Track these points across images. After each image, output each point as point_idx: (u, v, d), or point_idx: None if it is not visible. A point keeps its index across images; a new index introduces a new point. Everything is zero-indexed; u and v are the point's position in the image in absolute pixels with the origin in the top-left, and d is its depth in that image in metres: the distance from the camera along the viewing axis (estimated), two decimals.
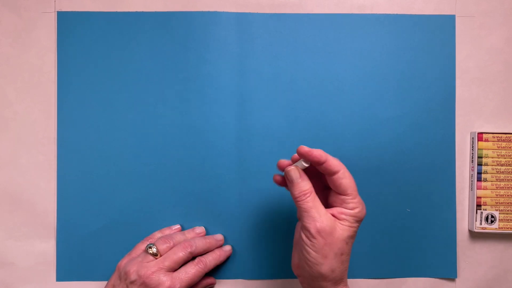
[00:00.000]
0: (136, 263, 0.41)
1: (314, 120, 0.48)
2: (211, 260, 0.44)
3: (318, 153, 0.37)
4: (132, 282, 0.40)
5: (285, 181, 0.40)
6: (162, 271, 0.41)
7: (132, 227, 0.47)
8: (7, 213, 0.47)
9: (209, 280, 0.47)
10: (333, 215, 0.37)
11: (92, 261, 0.47)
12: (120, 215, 0.47)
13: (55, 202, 0.47)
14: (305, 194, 0.38)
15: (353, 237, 0.38)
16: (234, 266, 0.48)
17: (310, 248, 0.36)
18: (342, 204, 0.38)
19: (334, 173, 0.37)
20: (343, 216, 0.37)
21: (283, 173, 0.40)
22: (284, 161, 0.40)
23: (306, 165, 0.38)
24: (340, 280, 0.38)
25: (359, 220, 0.38)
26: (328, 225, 0.36)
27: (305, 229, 0.37)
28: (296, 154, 0.39)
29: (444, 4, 0.48)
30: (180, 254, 0.42)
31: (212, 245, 0.45)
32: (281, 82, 0.48)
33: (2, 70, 0.48)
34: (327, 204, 0.40)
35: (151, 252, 0.42)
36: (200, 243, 0.44)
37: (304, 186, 0.38)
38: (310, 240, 0.36)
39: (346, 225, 0.37)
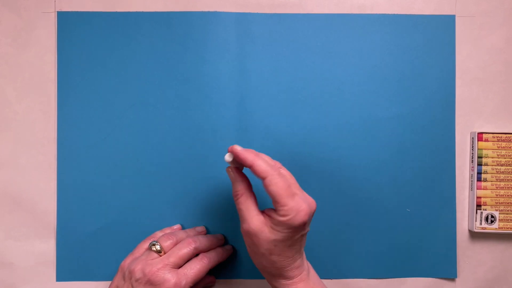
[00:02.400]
0: (141, 261, 0.41)
1: (314, 120, 0.48)
2: (214, 256, 0.44)
3: (244, 156, 0.37)
4: (137, 280, 0.40)
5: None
6: (168, 267, 0.41)
7: (132, 227, 0.47)
8: (7, 213, 0.47)
9: (210, 279, 0.47)
10: (267, 215, 0.38)
11: (92, 261, 0.47)
12: (120, 215, 0.47)
13: (55, 202, 0.47)
14: (236, 195, 0.39)
15: (285, 241, 0.37)
16: (234, 266, 0.48)
17: (245, 243, 0.39)
18: (275, 208, 0.37)
19: (261, 178, 0.37)
20: (274, 221, 0.37)
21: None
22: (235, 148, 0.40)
23: (230, 159, 0.39)
24: (279, 276, 0.39)
25: (292, 227, 0.36)
26: (254, 227, 0.37)
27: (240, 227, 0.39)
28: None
29: (444, 4, 0.48)
30: (185, 250, 0.42)
31: (214, 243, 0.45)
32: (281, 82, 0.48)
33: (2, 70, 0.48)
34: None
35: (154, 249, 0.42)
36: (204, 240, 0.44)
37: (236, 187, 0.40)
38: (244, 237, 0.39)
39: (276, 230, 0.37)
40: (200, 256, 0.43)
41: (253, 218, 0.38)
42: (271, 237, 0.37)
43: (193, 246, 0.42)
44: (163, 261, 0.41)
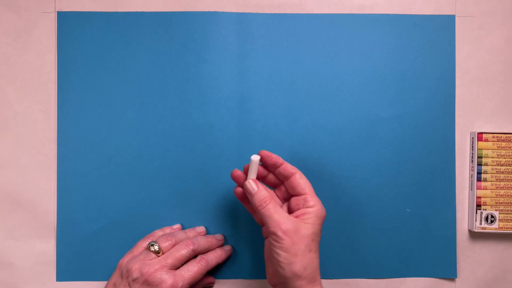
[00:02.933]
0: (139, 261, 0.41)
1: (314, 120, 0.48)
2: (212, 258, 0.44)
3: (276, 157, 0.41)
4: (134, 280, 0.40)
5: (244, 194, 0.42)
6: (165, 269, 0.41)
7: (132, 227, 0.47)
8: (7, 213, 0.47)
9: (209, 279, 0.47)
10: (296, 217, 0.40)
11: (92, 261, 0.47)
12: (120, 215, 0.47)
13: (55, 202, 0.47)
14: (265, 201, 0.40)
15: (318, 234, 0.40)
16: (234, 266, 0.48)
17: (280, 250, 0.38)
18: (302, 204, 0.40)
19: (291, 174, 0.41)
20: (306, 215, 0.39)
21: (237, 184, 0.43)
22: (237, 171, 0.42)
23: (256, 159, 0.41)
24: (313, 279, 0.39)
25: (320, 218, 0.40)
26: (292, 225, 0.38)
27: (272, 233, 0.39)
28: (248, 164, 0.41)
29: (444, 4, 0.48)
30: (183, 251, 0.42)
31: (213, 244, 0.46)
32: (281, 82, 0.48)
33: (2, 70, 0.48)
34: (289, 212, 0.42)
35: (153, 250, 0.42)
36: (202, 241, 0.44)
37: (262, 194, 0.40)
38: (279, 242, 0.38)
39: (309, 223, 0.39)
40: (199, 257, 0.43)
41: (288, 219, 0.39)
42: (309, 231, 0.39)
43: (191, 248, 0.43)
44: (161, 262, 0.41)
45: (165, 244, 0.42)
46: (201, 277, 0.43)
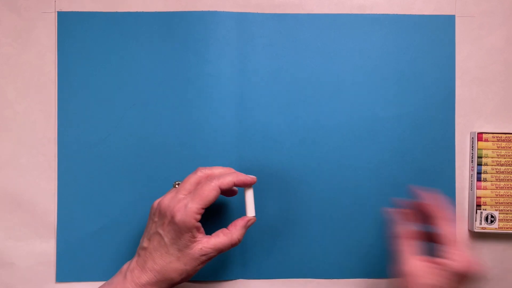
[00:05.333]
0: (159, 198, 0.41)
1: (314, 120, 0.48)
2: (226, 177, 0.40)
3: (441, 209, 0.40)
4: (154, 214, 0.40)
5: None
6: (176, 196, 0.39)
7: (132, 227, 0.47)
8: (7, 213, 0.47)
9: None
10: (429, 260, 0.38)
11: (92, 261, 0.47)
12: (120, 215, 0.47)
13: (55, 202, 0.47)
14: (395, 237, 0.40)
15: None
16: (234, 266, 0.48)
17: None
18: (443, 252, 0.38)
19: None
20: (435, 266, 0.37)
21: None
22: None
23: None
24: None
25: (458, 274, 0.37)
26: (413, 269, 0.38)
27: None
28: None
29: (444, 4, 0.48)
30: (195, 177, 0.41)
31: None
32: (281, 82, 0.48)
33: (2, 70, 0.48)
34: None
35: (175, 185, 0.43)
36: (225, 175, 0.40)
37: (401, 228, 0.40)
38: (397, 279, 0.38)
39: (436, 275, 0.37)
40: (209, 178, 0.40)
41: (413, 260, 0.38)
42: (429, 281, 0.37)
43: (208, 174, 0.41)
44: (173, 192, 0.40)
45: (187, 179, 0.41)
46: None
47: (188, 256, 0.39)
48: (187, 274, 0.39)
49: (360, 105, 0.48)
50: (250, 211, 0.42)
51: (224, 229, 0.41)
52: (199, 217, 0.38)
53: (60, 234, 0.47)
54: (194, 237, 0.39)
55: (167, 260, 0.39)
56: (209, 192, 0.38)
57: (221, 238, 0.40)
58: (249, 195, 0.42)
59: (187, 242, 0.38)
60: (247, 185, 0.41)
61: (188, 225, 0.38)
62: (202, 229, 0.40)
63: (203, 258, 0.39)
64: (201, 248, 0.39)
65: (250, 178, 0.41)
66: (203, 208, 0.38)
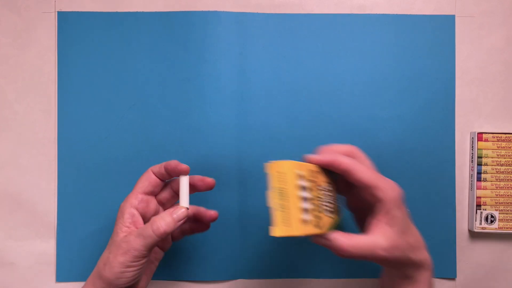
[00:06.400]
0: None
1: (314, 120, 0.48)
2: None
3: (326, 159, 0.36)
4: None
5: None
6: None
7: None
8: (7, 213, 0.47)
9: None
10: (374, 222, 0.36)
11: (92, 261, 0.47)
12: None
13: (55, 202, 0.47)
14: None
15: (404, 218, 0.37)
16: (234, 266, 0.48)
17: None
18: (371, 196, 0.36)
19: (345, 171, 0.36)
20: (380, 217, 0.36)
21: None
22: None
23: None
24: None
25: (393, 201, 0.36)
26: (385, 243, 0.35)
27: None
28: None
29: (444, 4, 0.48)
30: None
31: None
32: (281, 82, 0.48)
33: (2, 70, 0.48)
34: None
35: None
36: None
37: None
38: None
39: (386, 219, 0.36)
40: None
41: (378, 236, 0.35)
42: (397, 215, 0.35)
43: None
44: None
45: None
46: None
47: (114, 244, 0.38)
48: (116, 266, 0.37)
49: (360, 105, 0.48)
50: (183, 201, 0.39)
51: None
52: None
53: (60, 234, 0.47)
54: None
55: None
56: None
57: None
58: (183, 184, 0.39)
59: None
60: (181, 173, 0.39)
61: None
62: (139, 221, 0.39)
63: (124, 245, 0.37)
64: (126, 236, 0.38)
65: (183, 165, 0.39)
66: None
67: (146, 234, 0.37)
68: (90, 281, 0.39)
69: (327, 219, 0.36)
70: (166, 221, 0.37)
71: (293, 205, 0.33)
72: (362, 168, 0.36)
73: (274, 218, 0.34)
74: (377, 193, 0.35)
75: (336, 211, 0.39)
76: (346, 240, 0.34)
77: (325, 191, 0.37)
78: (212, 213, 0.42)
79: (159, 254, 0.43)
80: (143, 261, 0.37)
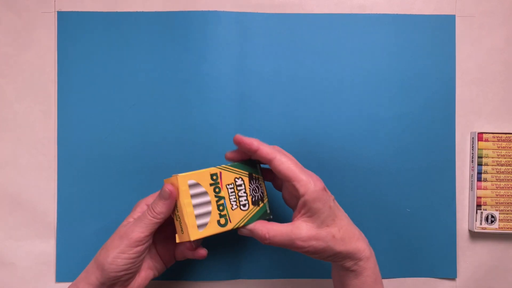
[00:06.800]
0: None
1: (314, 120, 0.48)
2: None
3: (249, 141, 0.38)
4: None
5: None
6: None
7: None
8: (7, 213, 0.47)
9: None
10: (297, 215, 0.38)
11: None
12: (120, 215, 0.47)
13: (55, 202, 0.47)
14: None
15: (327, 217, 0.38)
16: (234, 266, 0.48)
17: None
18: (292, 187, 0.38)
19: (268, 160, 0.38)
20: (302, 211, 0.38)
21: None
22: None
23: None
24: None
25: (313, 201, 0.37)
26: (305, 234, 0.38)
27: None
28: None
29: (444, 4, 0.48)
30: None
31: None
32: (281, 82, 0.48)
33: (2, 70, 0.48)
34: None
35: None
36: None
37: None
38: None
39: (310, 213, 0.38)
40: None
41: (296, 227, 0.38)
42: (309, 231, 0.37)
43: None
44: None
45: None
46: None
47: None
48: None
49: (360, 105, 0.48)
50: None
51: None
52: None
53: (60, 234, 0.47)
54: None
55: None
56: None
57: None
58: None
59: None
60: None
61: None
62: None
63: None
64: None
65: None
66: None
67: (142, 217, 0.39)
68: (88, 267, 0.40)
69: (239, 213, 0.39)
70: (158, 203, 0.39)
71: (186, 215, 0.37)
72: (284, 159, 0.38)
73: (176, 227, 0.38)
74: (297, 186, 0.37)
75: (260, 199, 0.41)
76: (265, 230, 0.38)
77: (238, 186, 0.40)
78: (202, 252, 0.42)
79: (159, 264, 0.42)
80: (138, 249, 0.38)
